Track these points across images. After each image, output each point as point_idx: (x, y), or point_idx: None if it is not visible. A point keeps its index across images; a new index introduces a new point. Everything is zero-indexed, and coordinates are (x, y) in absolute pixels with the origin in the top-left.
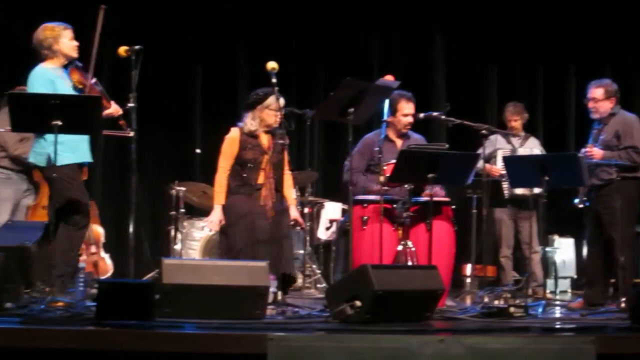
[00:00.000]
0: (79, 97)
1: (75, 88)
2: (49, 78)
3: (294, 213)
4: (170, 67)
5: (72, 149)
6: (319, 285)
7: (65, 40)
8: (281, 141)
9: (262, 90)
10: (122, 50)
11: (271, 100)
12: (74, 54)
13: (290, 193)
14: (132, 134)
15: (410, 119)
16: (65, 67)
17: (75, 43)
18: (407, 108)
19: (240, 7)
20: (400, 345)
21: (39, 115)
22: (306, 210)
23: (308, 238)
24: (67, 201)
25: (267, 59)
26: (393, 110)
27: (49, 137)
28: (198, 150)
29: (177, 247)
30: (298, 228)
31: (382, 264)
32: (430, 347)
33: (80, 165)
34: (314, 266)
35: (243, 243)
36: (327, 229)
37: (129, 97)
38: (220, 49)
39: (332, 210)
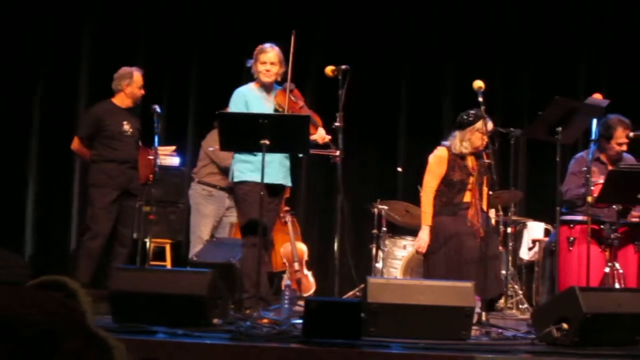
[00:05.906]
0: (286, 117)
1: (275, 110)
2: (244, 99)
3: None
4: (372, 85)
5: (258, 168)
6: (521, 306)
7: (257, 64)
8: (487, 161)
9: (473, 112)
10: (329, 70)
11: (481, 123)
12: (264, 78)
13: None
14: (338, 153)
15: (624, 148)
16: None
17: (267, 67)
18: (624, 137)
19: (448, 26)
20: None
21: (248, 134)
22: (509, 230)
23: (510, 258)
24: (242, 218)
25: (472, 77)
26: (608, 136)
27: (237, 155)
28: (399, 169)
29: (379, 265)
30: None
31: (590, 286)
32: None
33: (270, 186)
34: (516, 286)
35: (450, 263)
36: (530, 249)
37: (335, 116)
38: (423, 66)
39: (535, 230)
